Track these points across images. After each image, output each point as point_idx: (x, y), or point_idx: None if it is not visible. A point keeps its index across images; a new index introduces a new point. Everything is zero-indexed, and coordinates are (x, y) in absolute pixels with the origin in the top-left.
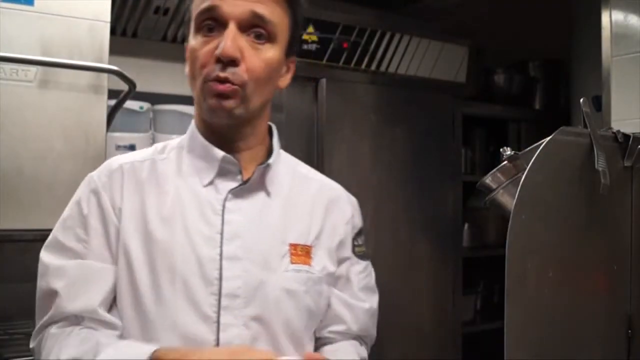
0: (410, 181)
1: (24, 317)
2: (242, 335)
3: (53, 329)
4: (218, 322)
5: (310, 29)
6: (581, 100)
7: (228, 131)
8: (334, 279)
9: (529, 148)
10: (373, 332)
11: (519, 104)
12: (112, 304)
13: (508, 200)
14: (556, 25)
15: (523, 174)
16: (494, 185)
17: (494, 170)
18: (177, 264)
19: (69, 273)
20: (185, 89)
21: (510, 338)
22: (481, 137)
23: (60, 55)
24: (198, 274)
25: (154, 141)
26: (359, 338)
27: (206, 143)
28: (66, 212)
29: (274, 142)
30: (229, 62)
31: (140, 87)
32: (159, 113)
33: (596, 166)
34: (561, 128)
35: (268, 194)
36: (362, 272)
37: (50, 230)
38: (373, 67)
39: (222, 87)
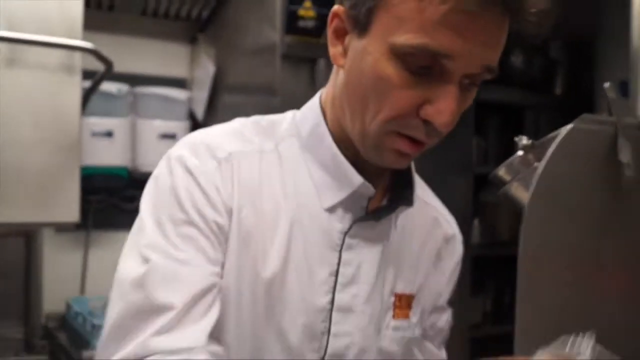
0: (417, 172)
1: None
2: None
3: None
4: None
5: (308, 4)
6: (606, 85)
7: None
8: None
9: (547, 137)
10: None
11: (537, 89)
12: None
13: (523, 193)
14: (581, 2)
15: (540, 165)
16: (507, 177)
17: (508, 160)
18: (275, 308)
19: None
20: (168, 70)
21: (520, 343)
22: (495, 125)
23: (27, 31)
24: (301, 325)
25: (134, 128)
26: None
27: (342, 160)
28: (155, 199)
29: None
30: None
31: (118, 67)
32: (139, 96)
33: (620, 157)
34: (583, 115)
35: (395, 227)
36: (448, 321)
37: (19, 224)
38: None
39: (413, 150)
